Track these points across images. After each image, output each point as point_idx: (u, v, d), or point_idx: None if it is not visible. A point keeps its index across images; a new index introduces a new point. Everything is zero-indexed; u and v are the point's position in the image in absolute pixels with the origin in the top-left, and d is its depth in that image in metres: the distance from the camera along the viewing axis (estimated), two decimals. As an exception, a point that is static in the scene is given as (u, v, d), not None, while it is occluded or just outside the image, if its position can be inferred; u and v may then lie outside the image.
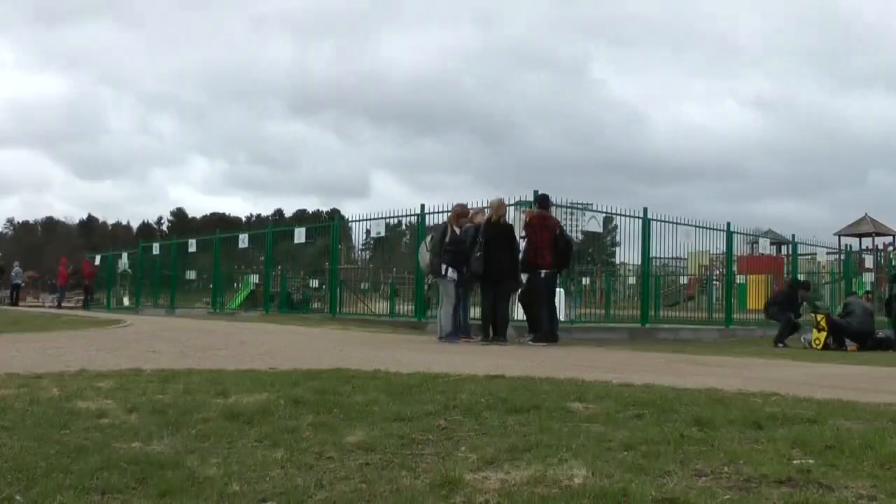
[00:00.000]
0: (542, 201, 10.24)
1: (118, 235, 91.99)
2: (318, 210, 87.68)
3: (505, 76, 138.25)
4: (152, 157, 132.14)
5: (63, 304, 29.11)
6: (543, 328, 9.68)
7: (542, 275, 9.66)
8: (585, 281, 21.35)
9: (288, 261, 22.35)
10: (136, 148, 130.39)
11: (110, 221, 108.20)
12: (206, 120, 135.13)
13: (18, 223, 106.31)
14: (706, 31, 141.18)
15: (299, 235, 18.05)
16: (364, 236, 16.44)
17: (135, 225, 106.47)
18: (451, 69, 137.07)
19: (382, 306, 18.21)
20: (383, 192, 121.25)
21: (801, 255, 18.67)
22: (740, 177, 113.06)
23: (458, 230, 9.99)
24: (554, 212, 13.10)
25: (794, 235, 18.43)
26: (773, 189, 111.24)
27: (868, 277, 20.55)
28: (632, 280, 19.72)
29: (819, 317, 11.93)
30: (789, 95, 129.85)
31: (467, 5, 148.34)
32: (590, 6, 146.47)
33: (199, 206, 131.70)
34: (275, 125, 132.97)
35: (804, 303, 13.21)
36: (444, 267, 9.90)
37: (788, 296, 13.10)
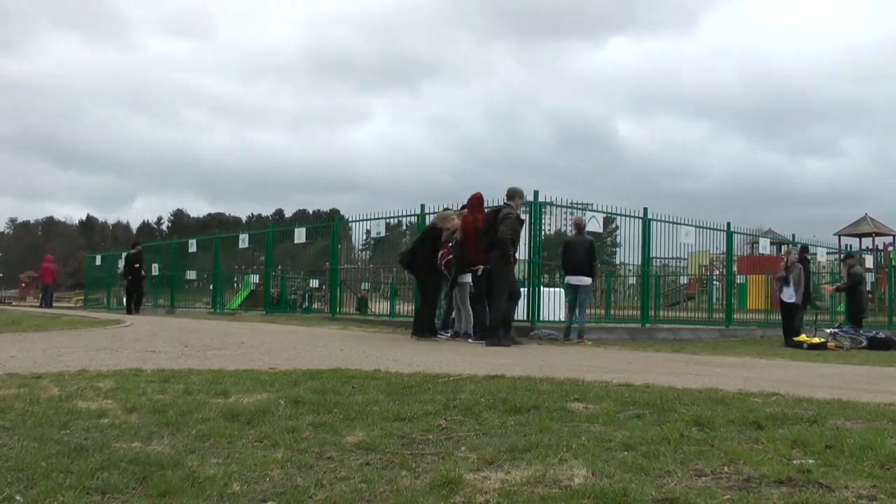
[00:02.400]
0: (471, 202, 10.15)
1: (118, 235, 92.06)
2: (318, 210, 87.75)
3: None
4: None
5: (55, 304, 28.78)
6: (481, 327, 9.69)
7: (477, 272, 9.67)
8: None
9: (288, 261, 22.38)
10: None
11: (110, 221, 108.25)
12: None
13: (19, 223, 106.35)
14: None
15: (299, 235, 18.05)
16: (364, 236, 16.41)
17: (135, 225, 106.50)
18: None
19: (382, 306, 18.22)
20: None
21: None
22: None
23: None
24: (551, 211, 13.09)
25: (794, 235, 18.42)
26: None
27: (868, 277, 20.55)
28: (632, 280, 19.72)
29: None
30: None
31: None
32: None
33: (199, 207, 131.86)
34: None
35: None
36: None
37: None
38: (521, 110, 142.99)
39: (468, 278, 9.95)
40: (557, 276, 14.78)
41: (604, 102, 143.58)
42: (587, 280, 11.16)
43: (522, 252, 12.83)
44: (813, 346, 11.59)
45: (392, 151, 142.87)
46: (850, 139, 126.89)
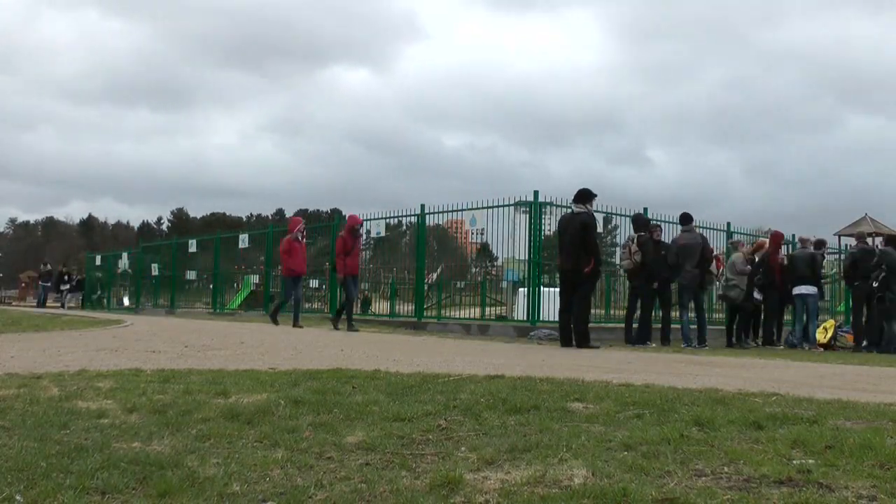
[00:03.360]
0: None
1: (118, 235, 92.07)
2: (318, 210, 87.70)
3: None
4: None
5: (51, 305, 28.74)
6: None
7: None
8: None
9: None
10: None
11: (111, 221, 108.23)
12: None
13: (18, 223, 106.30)
14: None
15: (299, 235, 18.00)
16: (364, 236, 16.41)
17: (135, 225, 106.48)
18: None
19: (382, 306, 18.23)
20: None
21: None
22: None
23: None
24: (551, 211, 13.10)
25: (794, 235, 18.42)
26: None
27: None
28: (632, 280, 19.67)
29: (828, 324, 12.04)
30: None
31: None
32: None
33: (199, 206, 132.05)
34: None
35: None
36: None
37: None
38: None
39: None
40: (556, 275, 14.76)
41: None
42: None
43: (523, 252, 12.86)
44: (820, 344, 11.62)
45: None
46: None
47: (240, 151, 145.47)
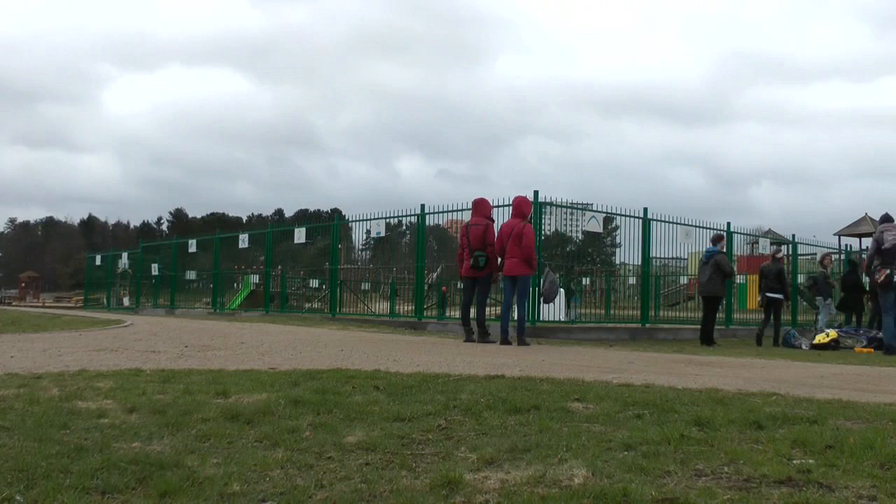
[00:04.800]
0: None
1: (118, 235, 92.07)
2: (318, 210, 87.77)
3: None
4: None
5: (52, 305, 28.82)
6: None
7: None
8: (585, 281, 21.39)
9: (288, 261, 22.36)
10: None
11: (111, 221, 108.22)
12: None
13: (18, 223, 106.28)
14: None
15: (299, 235, 18.04)
16: (364, 236, 16.41)
17: (135, 225, 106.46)
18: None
19: (382, 306, 18.22)
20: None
21: (801, 255, 18.68)
22: None
23: None
24: (551, 211, 13.10)
25: (794, 235, 18.44)
26: None
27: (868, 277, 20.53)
28: (632, 280, 19.73)
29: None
30: None
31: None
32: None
33: (199, 206, 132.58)
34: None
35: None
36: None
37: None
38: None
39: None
40: (557, 275, 14.76)
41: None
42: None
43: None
44: (816, 346, 11.61)
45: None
46: None
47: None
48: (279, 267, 20.79)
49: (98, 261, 30.22)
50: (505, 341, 9.50)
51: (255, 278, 21.95)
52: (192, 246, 22.35)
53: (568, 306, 15.63)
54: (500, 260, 9.69)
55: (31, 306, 34.08)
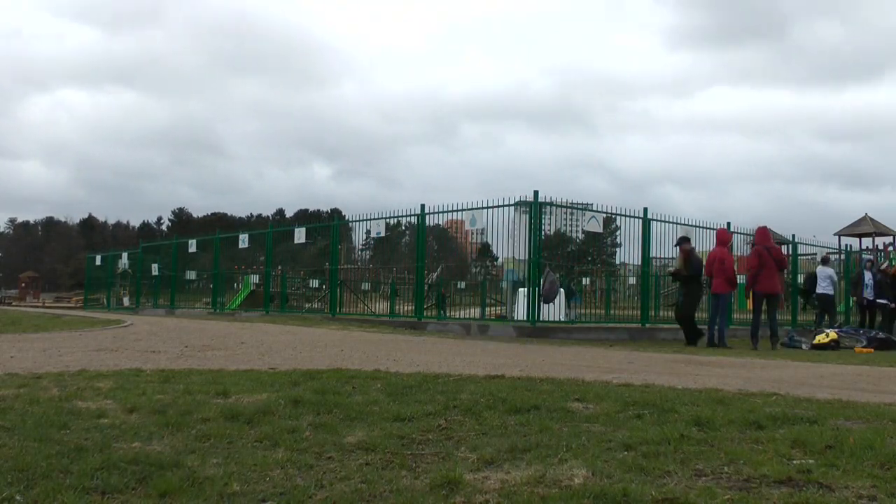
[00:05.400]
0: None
1: (118, 235, 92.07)
2: (318, 210, 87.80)
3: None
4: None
5: (51, 305, 28.84)
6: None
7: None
8: (585, 281, 21.38)
9: (288, 261, 22.35)
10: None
11: (111, 221, 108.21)
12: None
13: (18, 223, 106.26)
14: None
15: (299, 235, 18.04)
16: (364, 236, 16.41)
17: (135, 225, 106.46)
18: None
19: (382, 306, 18.22)
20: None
21: (801, 255, 18.68)
22: None
23: None
24: (551, 211, 13.09)
25: (794, 235, 18.43)
26: None
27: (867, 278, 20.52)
28: (632, 280, 19.71)
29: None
30: None
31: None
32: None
33: (199, 206, 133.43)
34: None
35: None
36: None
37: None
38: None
39: None
40: (557, 275, 14.77)
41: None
42: None
43: (522, 252, 12.87)
44: (816, 346, 11.60)
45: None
46: None
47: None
48: (279, 267, 20.79)
49: (98, 261, 30.22)
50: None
51: (255, 278, 21.96)
52: (192, 246, 22.34)
53: (568, 306, 15.61)
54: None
55: (31, 306, 34.07)
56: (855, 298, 15.65)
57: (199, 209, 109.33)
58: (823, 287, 15.16)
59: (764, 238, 11.59)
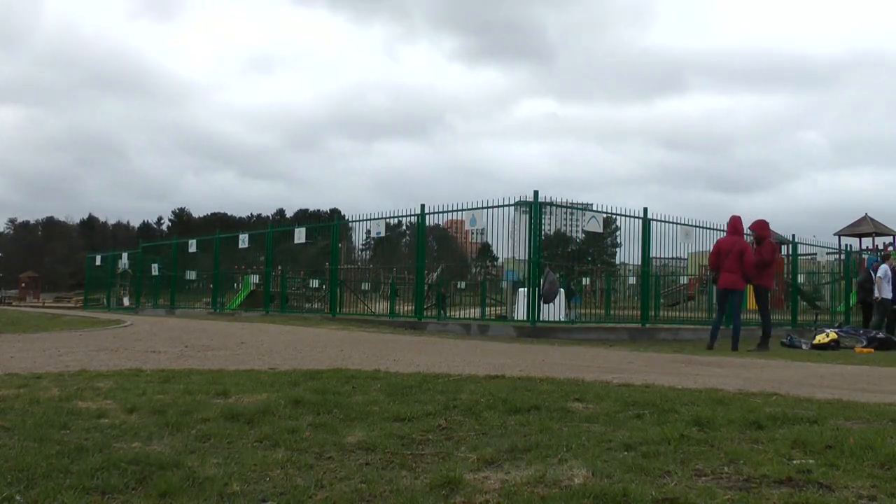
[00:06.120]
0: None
1: (118, 235, 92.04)
2: (318, 210, 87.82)
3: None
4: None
5: (51, 305, 28.86)
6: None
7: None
8: (586, 281, 21.40)
9: (288, 261, 22.35)
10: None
11: (111, 221, 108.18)
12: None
13: (18, 223, 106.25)
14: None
15: (299, 235, 18.04)
16: (364, 236, 16.41)
17: (135, 225, 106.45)
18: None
19: (382, 306, 18.23)
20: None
21: (801, 255, 18.67)
22: None
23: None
24: (551, 211, 13.08)
25: (794, 235, 18.43)
26: None
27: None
28: (632, 280, 19.72)
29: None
30: None
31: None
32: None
33: (199, 206, 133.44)
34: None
35: None
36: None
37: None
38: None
39: None
40: (557, 275, 14.78)
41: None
42: None
43: (522, 252, 12.87)
44: (816, 346, 11.60)
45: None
46: None
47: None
48: (279, 267, 20.79)
49: (98, 261, 30.21)
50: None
51: (255, 278, 21.96)
52: (192, 246, 22.34)
53: (568, 306, 15.62)
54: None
55: (31, 306, 34.06)
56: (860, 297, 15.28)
57: (199, 209, 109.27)
58: (887, 291, 13.43)
59: (768, 230, 11.39)
